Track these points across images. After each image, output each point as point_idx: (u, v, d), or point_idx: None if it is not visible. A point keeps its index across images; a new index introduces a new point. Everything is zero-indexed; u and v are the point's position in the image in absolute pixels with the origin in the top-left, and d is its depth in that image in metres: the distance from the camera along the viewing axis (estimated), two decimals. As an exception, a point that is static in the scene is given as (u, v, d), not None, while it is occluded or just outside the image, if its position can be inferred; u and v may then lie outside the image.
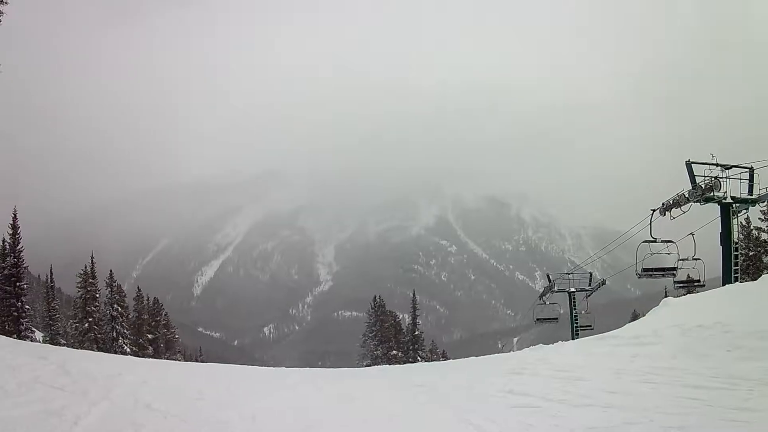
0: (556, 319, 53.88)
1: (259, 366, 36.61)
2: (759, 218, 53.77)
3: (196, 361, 78.52)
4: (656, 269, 43.02)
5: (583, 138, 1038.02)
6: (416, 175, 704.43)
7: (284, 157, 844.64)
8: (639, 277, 43.73)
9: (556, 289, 57.72)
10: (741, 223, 46.65)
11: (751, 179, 38.28)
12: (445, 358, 78.43)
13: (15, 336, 53.32)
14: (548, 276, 62.48)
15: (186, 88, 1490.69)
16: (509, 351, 45.40)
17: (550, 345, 29.35)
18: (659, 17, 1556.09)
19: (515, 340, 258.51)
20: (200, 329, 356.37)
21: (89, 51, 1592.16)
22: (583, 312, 52.30)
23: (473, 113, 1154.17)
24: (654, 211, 40.46)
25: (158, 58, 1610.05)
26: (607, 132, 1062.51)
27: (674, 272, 41.48)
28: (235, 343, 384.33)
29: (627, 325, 29.47)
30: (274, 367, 35.90)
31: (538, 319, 54.66)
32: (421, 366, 33.10)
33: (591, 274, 58.84)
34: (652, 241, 40.73)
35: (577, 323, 55.66)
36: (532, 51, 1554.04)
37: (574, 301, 56.07)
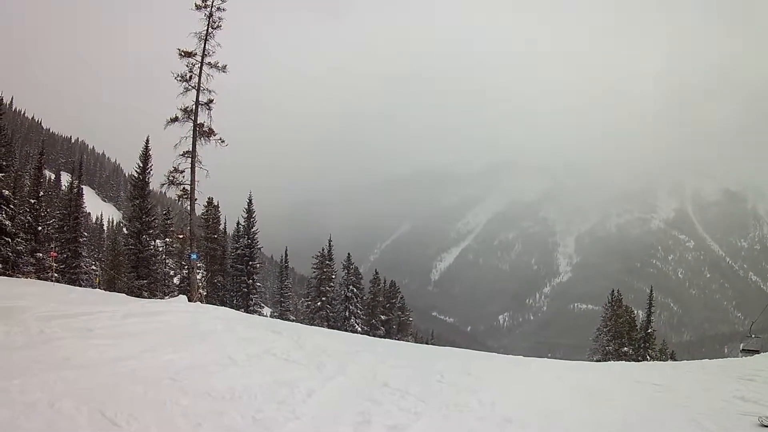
0: (758, 351, 50.64)
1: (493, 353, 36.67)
2: None
3: (427, 344, 79.48)
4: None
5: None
6: (656, 165, 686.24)
7: (523, 147, 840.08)
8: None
9: None
10: None
11: None
12: (674, 359, 75.80)
13: (243, 310, 55.64)
14: None
15: (423, 78, 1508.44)
16: (735, 356, 43.84)
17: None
18: None
19: (741, 345, 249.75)
20: (434, 314, 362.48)
21: (305, 46, 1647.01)
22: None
23: (708, 98, 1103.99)
24: None
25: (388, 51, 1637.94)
26: None
27: None
28: (468, 329, 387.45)
29: None
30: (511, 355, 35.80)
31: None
32: (654, 365, 32.44)
33: None
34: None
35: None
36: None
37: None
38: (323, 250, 78.07)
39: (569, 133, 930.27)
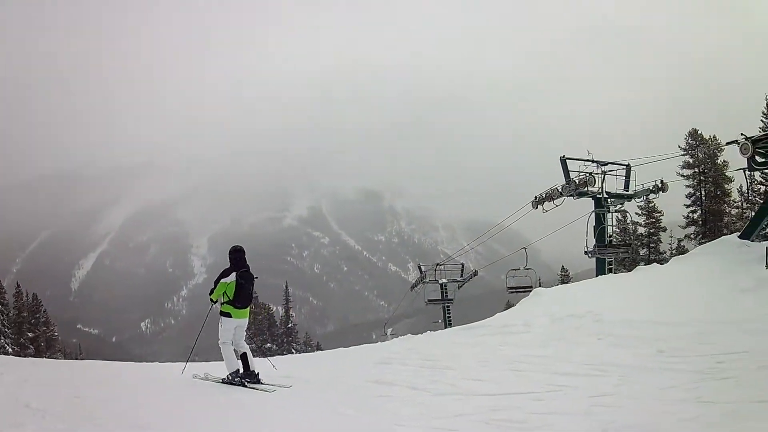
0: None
1: (137, 362, 36.94)
2: (636, 213, 56.99)
3: (77, 359, 78.46)
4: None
5: (458, 128, 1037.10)
6: (291, 165, 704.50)
7: (162, 147, 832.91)
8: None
9: (427, 279, 59.44)
10: (617, 217, 48.36)
11: (627, 176, 41.56)
12: (320, 349, 79.56)
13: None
14: (420, 267, 64.30)
15: (66, 74, 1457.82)
16: (382, 341, 46.02)
17: (419, 335, 30.23)
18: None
19: (389, 330, 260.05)
20: (79, 326, 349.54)
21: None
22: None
23: (352, 101, 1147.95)
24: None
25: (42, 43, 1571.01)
26: (481, 122, 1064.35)
27: (531, 289, 42.41)
28: (114, 339, 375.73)
29: (497, 314, 30.06)
30: (152, 362, 36.81)
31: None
32: (294, 358, 33.49)
33: (463, 265, 61.12)
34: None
35: (449, 313, 57.93)
36: (411, 30, 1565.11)
37: (446, 292, 58.10)
38: (-39, 263, 75.24)
39: (206, 131, 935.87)
